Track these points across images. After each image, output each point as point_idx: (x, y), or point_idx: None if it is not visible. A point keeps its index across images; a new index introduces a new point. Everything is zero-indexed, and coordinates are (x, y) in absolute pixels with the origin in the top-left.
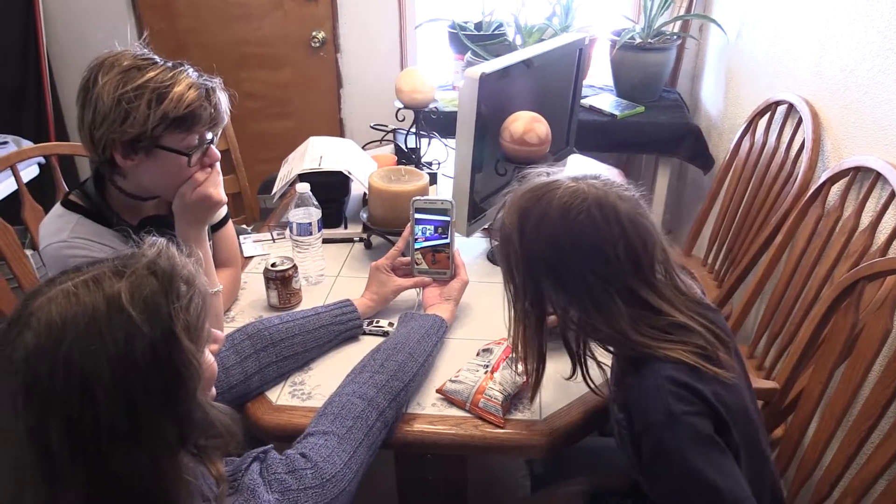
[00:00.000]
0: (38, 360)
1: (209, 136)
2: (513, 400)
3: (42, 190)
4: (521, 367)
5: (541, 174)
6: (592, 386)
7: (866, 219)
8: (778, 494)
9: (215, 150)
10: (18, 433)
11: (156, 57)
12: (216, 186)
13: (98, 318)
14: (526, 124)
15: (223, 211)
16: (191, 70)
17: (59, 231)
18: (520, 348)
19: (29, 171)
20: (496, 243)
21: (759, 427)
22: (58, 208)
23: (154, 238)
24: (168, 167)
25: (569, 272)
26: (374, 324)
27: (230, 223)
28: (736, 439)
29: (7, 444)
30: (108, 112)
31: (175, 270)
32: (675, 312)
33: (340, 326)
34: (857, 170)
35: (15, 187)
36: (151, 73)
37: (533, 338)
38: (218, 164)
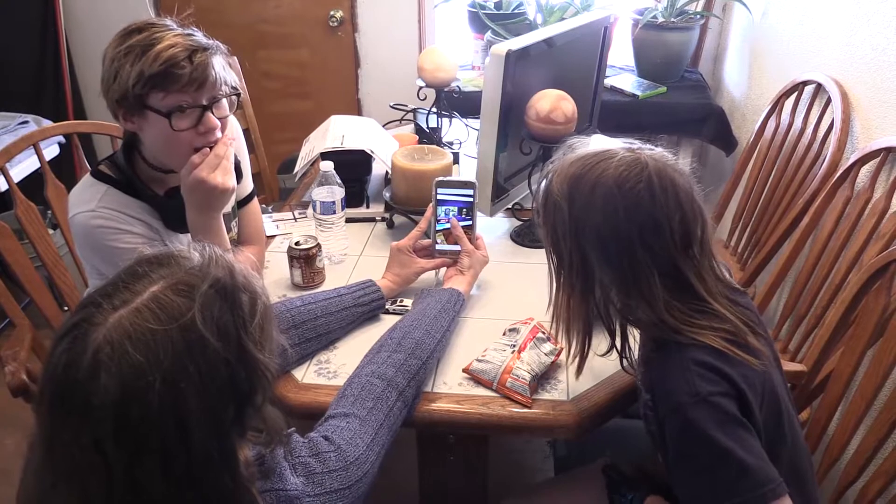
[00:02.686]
0: (127, 406)
1: (205, 100)
2: (540, 380)
3: (61, 169)
4: (562, 341)
5: (582, 143)
6: (626, 364)
7: None
8: (804, 482)
9: (212, 118)
10: (107, 478)
11: (167, 22)
12: (212, 170)
13: (179, 352)
14: (552, 102)
15: (248, 187)
16: (194, 32)
17: (88, 200)
18: (563, 321)
19: (49, 151)
20: (539, 214)
21: (784, 413)
22: (87, 178)
23: (202, 245)
24: (158, 130)
25: (619, 244)
26: (398, 303)
27: (255, 200)
28: (759, 423)
29: (84, 491)
30: (105, 73)
31: (235, 281)
32: (709, 297)
33: (363, 307)
34: (889, 150)
35: (36, 166)
36: (145, 34)
37: (578, 310)
38: (225, 150)
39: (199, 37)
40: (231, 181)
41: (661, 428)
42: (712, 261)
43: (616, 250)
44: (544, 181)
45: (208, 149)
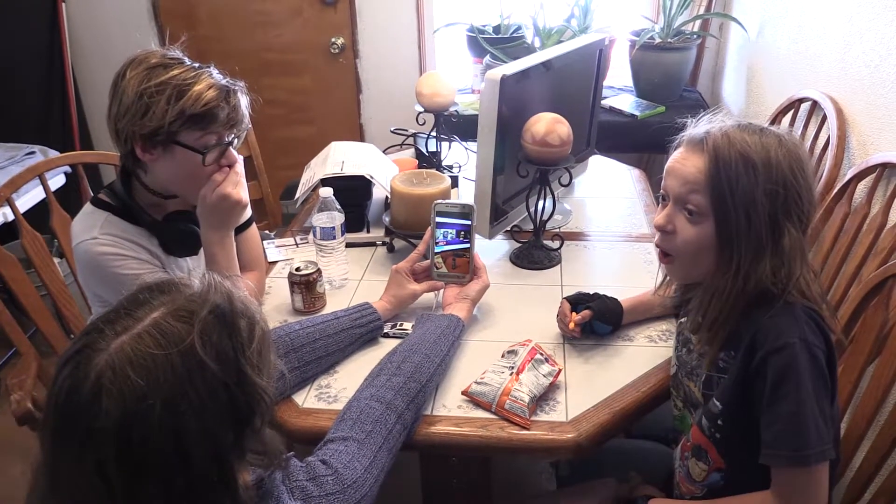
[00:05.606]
0: (128, 429)
1: (229, 137)
2: (538, 401)
3: (68, 199)
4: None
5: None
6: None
7: (895, 216)
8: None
9: (234, 152)
10: (109, 501)
11: (184, 58)
12: (235, 186)
13: (180, 376)
14: (548, 125)
15: (247, 213)
16: (215, 72)
17: (90, 228)
18: (725, 292)
19: (56, 181)
20: (714, 185)
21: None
22: (87, 207)
23: (203, 272)
24: (184, 164)
25: (802, 205)
26: (398, 327)
27: (254, 226)
28: (835, 386)
29: None
30: (130, 105)
31: (234, 307)
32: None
33: (361, 329)
34: (885, 166)
35: (42, 196)
36: (175, 72)
37: (753, 283)
38: (241, 168)
39: (220, 75)
40: (247, 196)
41: (742, 379)
42: None
43: (803, 211)
44: (706, 159)
45: (227, 168)
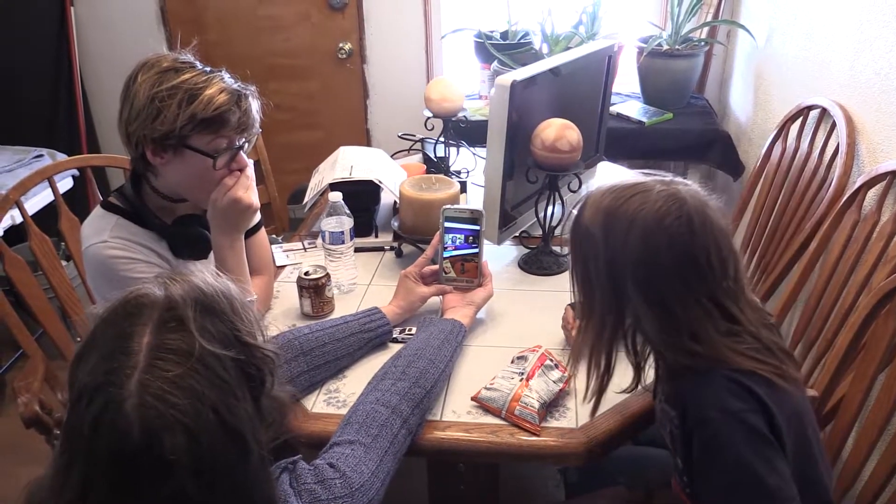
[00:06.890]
0: (198, 448)
1: (240, 141)
2: (548, 407)
3: (75, 202)
4: (570, 369)
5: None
6: (640, 389)
7: None
8: (824, 497)
9: (244, 157)
10: None
11: (196, 62)
12: (246, 190)
13: (209, 378)
14: (557, 131)
15: (256, 217)
16: (226, 76)
17: (100, 231)
18: (587, 355)
19: (63, 184)
20: (568, 246)
21: (813, 431)
22: (98, 210)
23: (162, 274)
24: (194, 168)
25: (659, 278)
26: (407, 331)
27: (263, 230)
28: (786, 442)
29: None
30: (141, 109)
31: (206, 292)
32: (746, 324)
33: (370, 333)
34: (894, 174)
35: (50, 199)
36: (187, 76)
37: (605, 345)
38: (251, 171)
39: (231, 79)
40: (257, 200)
41: (686, 443)
42: (748, 292)
43: (655, 283)
44: (574, 212)
45: (238, 172)
